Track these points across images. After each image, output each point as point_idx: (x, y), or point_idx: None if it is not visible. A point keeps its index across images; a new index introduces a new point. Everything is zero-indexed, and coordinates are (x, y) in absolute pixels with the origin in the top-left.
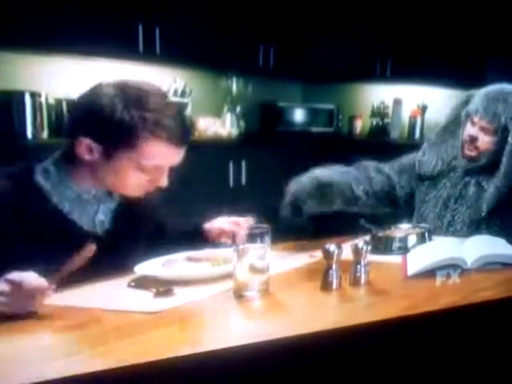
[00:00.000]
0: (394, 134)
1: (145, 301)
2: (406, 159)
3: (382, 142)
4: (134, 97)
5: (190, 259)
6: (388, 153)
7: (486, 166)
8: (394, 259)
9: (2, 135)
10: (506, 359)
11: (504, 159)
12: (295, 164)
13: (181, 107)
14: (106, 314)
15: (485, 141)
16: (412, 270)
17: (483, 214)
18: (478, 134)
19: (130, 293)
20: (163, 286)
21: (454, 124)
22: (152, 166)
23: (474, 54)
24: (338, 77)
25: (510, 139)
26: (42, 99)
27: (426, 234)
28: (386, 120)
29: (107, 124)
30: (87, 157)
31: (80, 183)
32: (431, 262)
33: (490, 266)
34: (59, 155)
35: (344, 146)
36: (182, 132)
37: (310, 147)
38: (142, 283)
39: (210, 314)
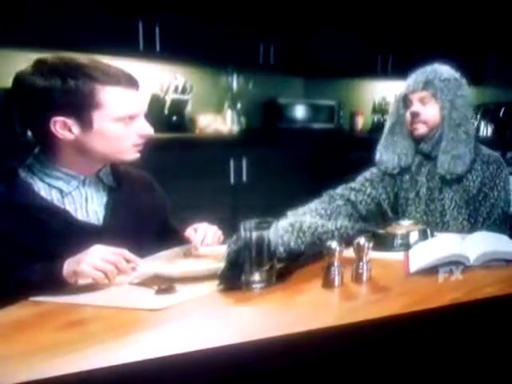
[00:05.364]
0: None
1: (146, 298)
2: (374, 172)
3: None
4: (73, 66)
5: (185, 255)
6: None
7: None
8: (395, 256)
9: (5, 133)
10: (508, 356)
11: (444, 127)
12: (296, 161)
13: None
14: (107, 311)
15: (428, 112)
16: (414, 266)
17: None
18: (419, 108)
19: (131, 290)
20: (165, 283)
21: (398, 124)
22: (124, 113)
23: (475, 50)
24: (339, 73)
25: (446, 108)
26: None
27: (428, 231)
28: (387, 116)
29: (65, 96)
30: (68, 135)
31: (67, 169)
32: (433, 259)
33: (492, 262)
34: (38, 149)
35: (345, 143)
36: (128, 75)
37: (311, 144)
38: (143, 280)
39: (211, 312)
